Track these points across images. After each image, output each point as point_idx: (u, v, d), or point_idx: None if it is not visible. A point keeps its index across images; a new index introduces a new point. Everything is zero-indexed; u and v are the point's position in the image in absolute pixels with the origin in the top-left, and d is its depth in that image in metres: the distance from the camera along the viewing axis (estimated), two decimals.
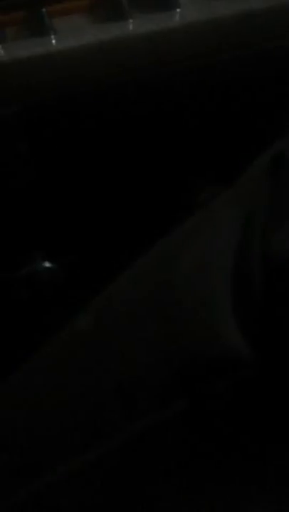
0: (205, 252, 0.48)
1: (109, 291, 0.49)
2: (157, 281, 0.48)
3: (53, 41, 0.73)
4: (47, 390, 0.48)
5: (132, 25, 0.74)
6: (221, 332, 0.44)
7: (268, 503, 0.45)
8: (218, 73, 0.74)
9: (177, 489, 0.45)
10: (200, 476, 0.45)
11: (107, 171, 0.75)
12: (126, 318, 0.47)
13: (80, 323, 0.49)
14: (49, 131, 0.72)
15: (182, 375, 0.45)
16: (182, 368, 0.45)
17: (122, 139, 0.74)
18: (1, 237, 0.72)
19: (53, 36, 0.73)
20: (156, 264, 0.49)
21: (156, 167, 0.76)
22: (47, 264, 0.75)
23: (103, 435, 0.45)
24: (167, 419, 0.45)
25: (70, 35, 0.73)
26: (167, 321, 0.46)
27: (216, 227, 0.49)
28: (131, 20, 0.74)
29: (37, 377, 0.49)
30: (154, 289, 0.48)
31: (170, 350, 0.45)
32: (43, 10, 0.74)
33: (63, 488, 0.45)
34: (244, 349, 0.44)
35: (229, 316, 0.44)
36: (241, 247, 0.46)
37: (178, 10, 0.76)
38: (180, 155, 0.76)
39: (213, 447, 0.45)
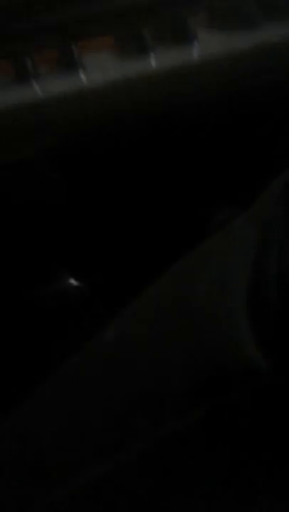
0: (223, 272, 0.50)
1: (133, 307, 0.52)
2: (177, 299, 0.51)
3: (82, 76, 0.76)
4: (73, 399, 0.50)
5: (154, 60, 0.77)
6: (239, 346, 0.47)
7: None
8: (235, 101, 0.77)
9: (195, 497, 0.47)
10: (219, 484, 0.47)
11: (130, 195, 0.78)
12: (149, 332, 0.50)
13: (106, 336, 0.52)
14: (80, 163, 0.75)
15: (202, 386, 0.47)
16: (202, 378, 0.47)
17: (144, 166, 0.77)
18: (29, 255, 0.75)
19: (81, 71, 0.76)
20: (176, 282, 0.52)
21: (176, 190, 0.79)
22: (73, 282, 0.77)
23: (127, 442, 0.47)
24: (188, 428, 0.47)
25: (97, 70, 0.76)
26: (187, 336, 0.49)
27: (233, 247, 0.52)
28: (152, 54, 0.77)
29: (65, 386, 0.52)
30: (174, 306, 0.51)
31: (191, 363, 0.48)
32: (73, 47, 0.77)
33: (87, 495, 0.47)
34: (261, 361, 0.46)
35: (247, 331, 0.47)
36: (258, 266, 0.49)
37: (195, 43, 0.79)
38: (199, 178, 0.79)
39: (231, 456, 0.47)
